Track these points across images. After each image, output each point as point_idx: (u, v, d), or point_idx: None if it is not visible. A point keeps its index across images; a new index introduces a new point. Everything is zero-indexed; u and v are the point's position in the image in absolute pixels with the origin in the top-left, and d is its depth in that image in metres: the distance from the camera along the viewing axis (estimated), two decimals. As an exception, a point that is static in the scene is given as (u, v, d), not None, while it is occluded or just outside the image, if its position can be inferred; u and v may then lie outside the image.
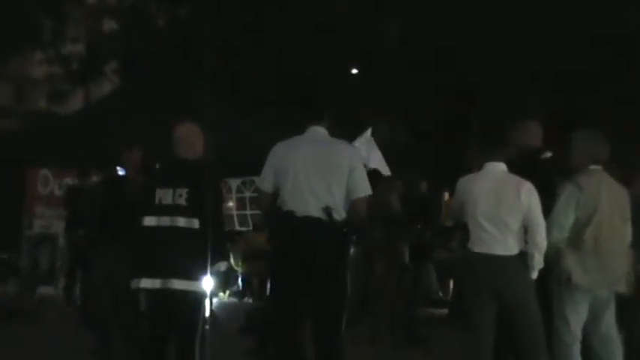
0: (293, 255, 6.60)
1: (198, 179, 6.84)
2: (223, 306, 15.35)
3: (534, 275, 6.89)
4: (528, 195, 6.86)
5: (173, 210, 6.73)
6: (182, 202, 6.74)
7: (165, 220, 6.75)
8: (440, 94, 23.37)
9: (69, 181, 15.95)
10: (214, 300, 13.21)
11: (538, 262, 6.84)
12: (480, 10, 22.28)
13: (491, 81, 22.71)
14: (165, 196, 6.78)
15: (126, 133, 12.54)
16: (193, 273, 6.71)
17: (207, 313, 6.95)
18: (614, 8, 21.97)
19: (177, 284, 6.68)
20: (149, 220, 6.80)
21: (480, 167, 7.19)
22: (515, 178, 6.97)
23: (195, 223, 6.72)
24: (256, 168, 7.22)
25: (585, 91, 22.31)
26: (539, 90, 22.36)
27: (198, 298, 6.77)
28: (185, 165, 6.94)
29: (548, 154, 7.62)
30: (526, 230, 6.89)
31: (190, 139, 7.01)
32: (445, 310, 14.41)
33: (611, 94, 22.24)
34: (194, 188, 6.76)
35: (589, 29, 22.05)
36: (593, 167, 7.12)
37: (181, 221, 6.72)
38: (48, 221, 16.84)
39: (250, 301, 16.73)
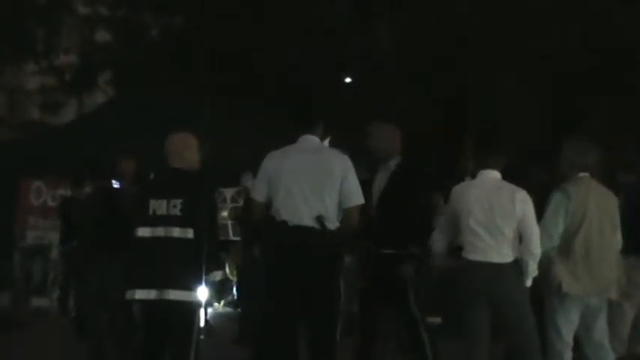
0: (286, 264, 6.60)
1: (192, 189, 6.83)
2: (218, 316, 15.31)
3: (529, 283, 6.90)
4: (523, 202, 6.88)
5: (168, 220, 6.72)
6: (177, 212, 6.73)
7: (160, 231, 6.74)
8: (434, 100, 23.36)
9: (62, 191, 15.92)
10: (209, 310, 13.17)
11: (532, 269, 6.85)
12: (474, 14, 22.26)
13: (487, 86, 22.69)
14: (159, 206, 6.77)
15: (119, 143, 12.54)
16: (188, 283, 6.70)
17: (202, 323, 6.94)
18: (610, 12, 21.96)
19: (172, 295, 6.67)
20: (143, 231, 6.79)
21: (474, 175, 7.20)
22: (509, 186, 6.99)
23: (190, 233, 6.71)
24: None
25: (583, 93, 22.25)
26: (536, 94, 22.32)
27: (193, 308, 6.76)
28: (178, 175, 6.94)
29: (398, 159, 7.64)
30: (520, 238, 6.90)
31: (181, 149, 7.00)
32: (438, 319, 14.36)
33: (609, 94, 22.16)
34: (188, 198, 6.76)
35: (585, 32, 22.05)
36: (580, 175, 7.14)
37: (176, 231, 6.71)
38: (41, 232, 16.79)
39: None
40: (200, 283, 6.76)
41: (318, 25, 22.99)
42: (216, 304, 16.91)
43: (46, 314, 14.41)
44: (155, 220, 6.77)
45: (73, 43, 27.77)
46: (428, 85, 22.79)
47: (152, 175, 7.59)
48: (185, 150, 6.99)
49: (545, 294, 7.04)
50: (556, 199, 7.02)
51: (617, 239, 7.21)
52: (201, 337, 6.96)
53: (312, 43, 22.87)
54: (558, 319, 6.98)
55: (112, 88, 27.19)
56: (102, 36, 27.81)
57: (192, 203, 6.76)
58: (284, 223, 6.60)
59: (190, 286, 6.71)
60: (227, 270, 16.53)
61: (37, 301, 15.55)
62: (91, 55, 27.41)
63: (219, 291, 16.03)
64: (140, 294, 6.77)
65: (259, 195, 6.81)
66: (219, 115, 16.00)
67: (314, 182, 6.61)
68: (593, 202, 7.06)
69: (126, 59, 25.65)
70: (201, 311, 6.96)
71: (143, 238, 6.80)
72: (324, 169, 6.67)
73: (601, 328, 7.08)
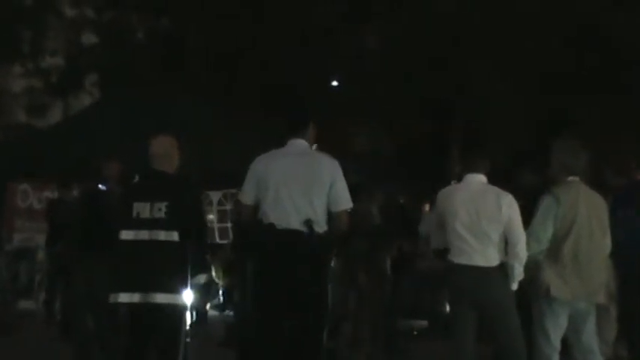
0: (274, 267, 6.60)
1: (177, 192, 6.83)
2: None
3: (515, 286, 6.91)
4: (509, 206, 6.90)
5: (152, 223, 6.70)
6: (161, 215, 6.72)
7: (144, 234, 6.73)
8: (422, 104, 23.38)
9: (49, 194, 15.89)
10: (194, 313, 13.15)
11: (518, 273, 6.87)
12: (464, 16, 22.28)
13: (474, 90, 22.71)
14: (143, 209, 6.76)
15: (105, 146, 12.52)
16: (173, 286, 6.70)
17: (188, 326, 6.94)
18: (600, 10, 21.98)
19: (157, 298, 6.66)
20: (126, 234, 6.78)
21: (460, 178, 7.22)
22: (495, 190, 7.00)
23: (175, 236, 6.70)
24: (237, 181, 7.22)
25: (576, 93, 22.25)
26: (524, 95, 22.32)
27: (178, 311, 6.76)
28: (163, 178, 6.93)
29: None
30: (506, 241, 6.91)
31: (164, 152, 7.00)
32: (425, 322, 14.41)
33: (606, 93, 22.15)
34: (173, 201, 6.75)
35: (575, 31, 22.07)
36: (570, 178, 7.15)
37: (161, 234, 6.70)
38: (27, 235, 16.75)
39: (231, 313, 16.65)
40: (185, 285, 6.76)
41: (318, 26, 22.98)
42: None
43: (32, 317, 14.36)
44: (139, 223, 6.76)
45: (59, 45, 27.73)
46: (421, 86, 22.79)
47: (136, 178, 7.57)
48: (168, 153, 6.99)
49: (533, 298, 7.04)
50: (546, 203, 7.01)
51: (607, 243, 7.19)
52: (188, 340, 6.95)
53: (310, 43, 22.88)
54: (547, 323, 6.97)
55: (98, 90, 27.15)
56: (88, 38, 27.78)
57: (178, 206, 6.75)
58: (272, 226, 6.59)
59: (175, 289, 6.71)
60: (213, 273, 16.52)
61: (24, 304, 15.50)
62: (78, 57, 27.38)
63: (205, 294, 16.01)
64: (124, 297, 6.76)
65: (247, 198, 6.81)
66: (208, 115, 15.98)
67: (303, 186, 6.61)
68: (583, 206, 7.05)
69: (112, 61, 25.62)
70: (187, 314, 6.95)
71: (126, 242, 6.79)
72: (313, 172, 6.67)
73: (590, 332, 7.06)
